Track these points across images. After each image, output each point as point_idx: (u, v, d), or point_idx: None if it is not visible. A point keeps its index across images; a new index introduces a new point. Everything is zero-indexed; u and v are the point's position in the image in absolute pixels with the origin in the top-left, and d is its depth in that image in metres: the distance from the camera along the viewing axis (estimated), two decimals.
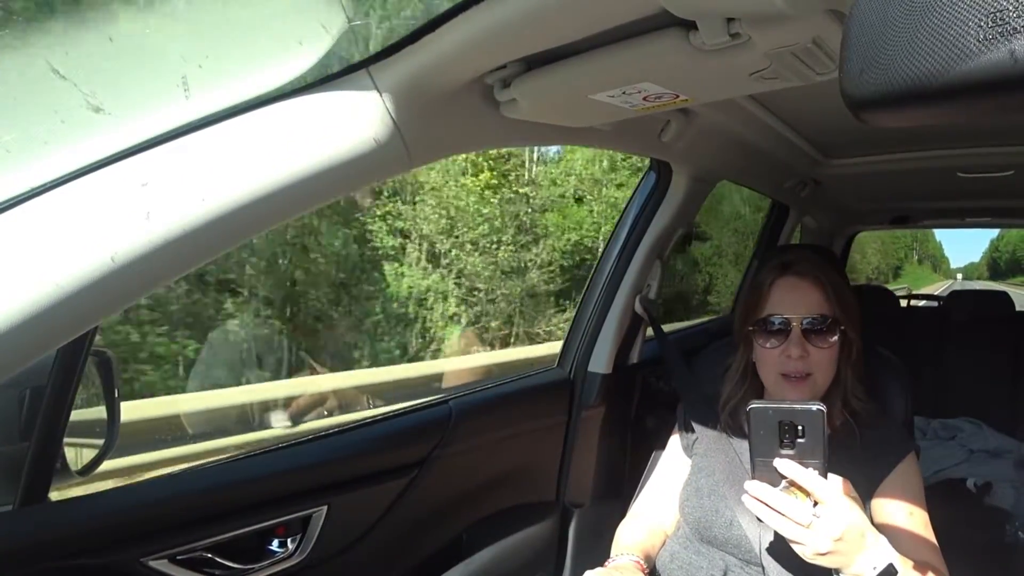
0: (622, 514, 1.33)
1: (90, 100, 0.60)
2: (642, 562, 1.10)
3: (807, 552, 0.86)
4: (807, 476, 0.86)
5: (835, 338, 1.07)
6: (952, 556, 1.02)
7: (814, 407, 0.88)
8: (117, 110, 0.62)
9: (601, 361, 1.67)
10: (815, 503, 0.86)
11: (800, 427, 0.88)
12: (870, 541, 0.86)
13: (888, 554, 0.87)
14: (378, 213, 8.38)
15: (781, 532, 0.88)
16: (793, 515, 0.85)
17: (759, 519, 0.90)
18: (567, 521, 1.66)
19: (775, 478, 0.89)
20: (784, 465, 0.88)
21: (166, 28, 0.67)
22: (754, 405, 0.91)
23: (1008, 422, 2.43)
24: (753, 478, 0.91)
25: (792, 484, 0.88)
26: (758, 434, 0.90)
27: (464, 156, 8.54)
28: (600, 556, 1.16)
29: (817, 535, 0.84)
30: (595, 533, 1.66)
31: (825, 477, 0.87)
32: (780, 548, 1.04)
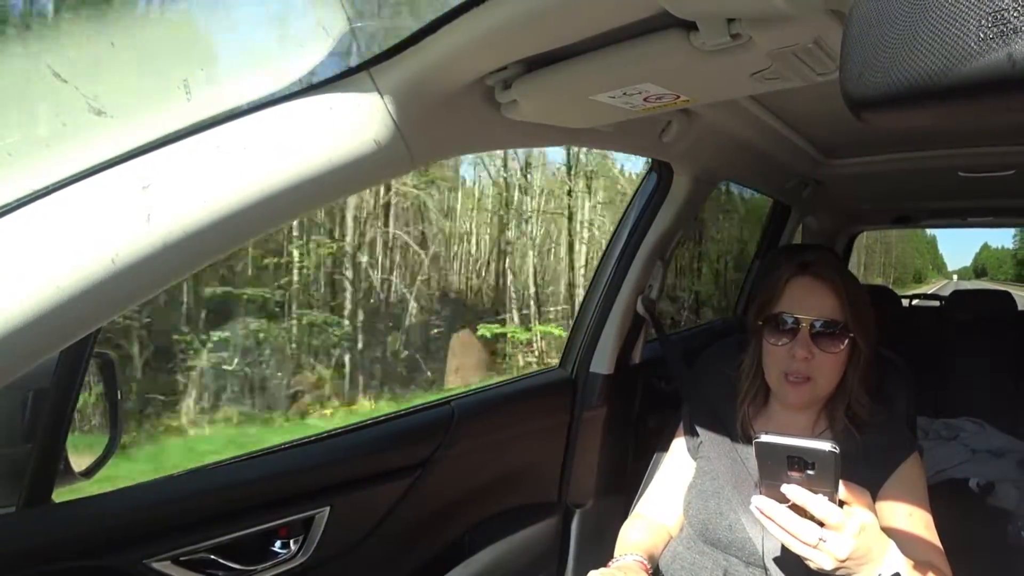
0: (624, 514, 1.33)
1: (92, 103, 0.60)
2: (646, 562, 1.10)
3: (814, 566, 0.86)
4: (815, 502, 0.84)
5: (843, 345, 1.06)
6: (955, 556, 1.02)
7: (827, 448, 0.83)
8: (119, 113, 0.62)
9: (603, 362, 1.67)
10: (822, 524, 0.85)
11: (810, 463, 0.85)
12: (879, 552, 0.86)
13: (897, 562, 0.86)
14: None
15: (788, 547, 0.87)
16: (799, 534, 0.85)
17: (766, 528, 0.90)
18: (569, 521, 1.65)
19: (783, 497, 0.87)
20: (792, 491, 0.85)
21: (168, 32, 0.67)
22: (762, 440, 0.88)
23: (1011, 422, 2.42)
24: (761, 494, 0.90)
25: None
26: (765, 463, 0.88)
27: None
28: (602, 556, 1.16)
29: (823, 555, 0.84)
30: (597, 533, 1.66)
31: (835, 503, 0.85)
32: (784, 553, 1.04)
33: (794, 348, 1.06)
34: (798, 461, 0.85)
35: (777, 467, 0.87)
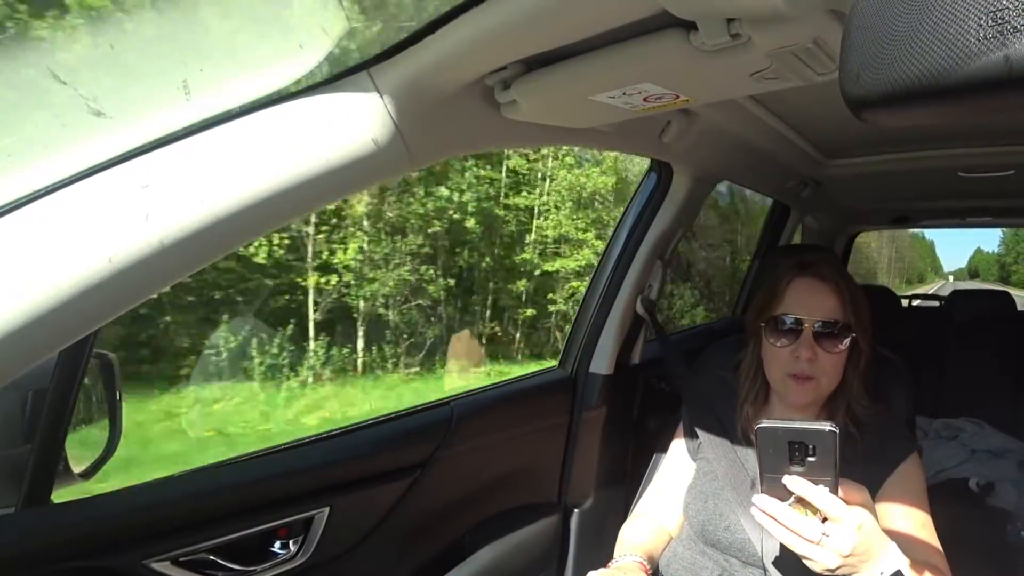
0: (624, 515, 1.33)
1: (91, 104, 0.60)
2: (645, 563, 1.10)
3: (816, 567, 0.85)
4: (817, 493, 0.84)
5: (845, 344, 1.06)
6: (954, 556, 1.02)
7: (826, 428, 0.84)
8: (118, 114, 0.62)
9: (602, 362, 1.67)
10: (824, 519, 0.84)
11: (811, 447, 0.85)
12: (879, 550, 0.86)
13: (897, 560, 0.86)
14: None
15: (790, 547, 0.86)
16: (802, 532, 0.84)
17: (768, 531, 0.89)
18: (569, 522, 1.66)
19: (784, 494, 0.86)
20: (793, 482, 0.85)
21: (167, 32, 0.67)
22: (763, 425, 0.88)
23: (1010, 422, 2.42)
24: (762, 492, 0.89)
25: (800, 500, 0.86)
26: (766, 452, 0.88)
27: None
28: (602, 557, 1.16)
29: (826, 552, 0.84)
30: (597, 534, 1.66)
31: (836, 494, 0.85)
32: (783, 553, 1.04)
33: (798, 349, 1.05)
34: (799, 447, 0.85)
35: (778, 457, 0.87)
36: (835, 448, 0.84)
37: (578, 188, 9.18)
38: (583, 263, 8.88)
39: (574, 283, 8.74)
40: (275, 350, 6.39)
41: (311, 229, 6.75)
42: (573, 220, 9.15)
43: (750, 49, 0.71)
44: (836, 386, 1.10)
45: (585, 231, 9.16)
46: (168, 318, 5.85)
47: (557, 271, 8.96)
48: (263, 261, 6.46)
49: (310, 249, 6.86)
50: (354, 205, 7.02)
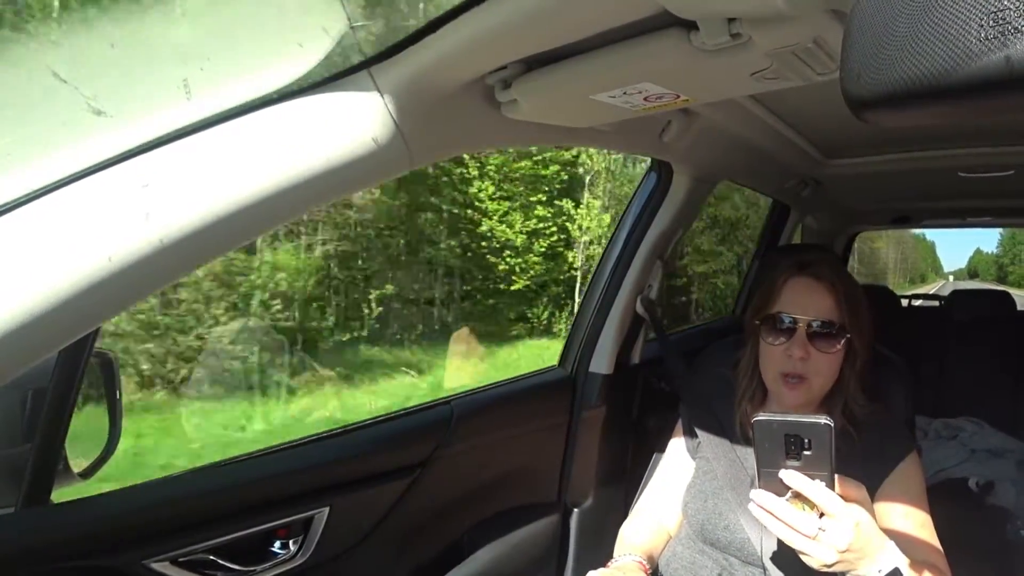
0: (624, 514, 1.33)
1: (92, 103, 0.60)
2: (645, 562, 1.10)
3: (813, 563, 0.85)
4: (813, 488, 0.85)
5: (840, 345, 1.06)
6: (953, 556, 1.02)
7: (822, 421, 0.85)
8: (119, 113, 0.62)
9: (602, 361, 1.67)
10: (821, 515, 0.85)
11: (806, 440, 0.85)
12: (876, 547, 0.86)
13: (895, 558, 0.86)
14: None
15: (787, 542, 0.87)
16: (799, 527, 0.84)
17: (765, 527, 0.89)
18: (568, 521, 1.66)
19: (781, 489, 0.87)
20: (790, 477, 0.86)
21: (167, 31, 0.67)
22: (759, 418, 0.88)
23: (1010, 421, 2.42)
24: (759, 487, 0.89)
25: (797, 496, 0.86)
26: (763, 446, 0.88)
27: None
28: (602, 556, 1.16)
29: (823, 547, 0.83)
30: (597, 533, 1.66)
31: (832, 489, 0.85)
32: (782, 552, 1.04)
33: (791, 348, 1.05)
34: (795, 441, 0.86)
35: (774, 450, 0.87)
36: (830, 442, 0.84)
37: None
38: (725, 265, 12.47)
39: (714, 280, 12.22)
40: (563, 321, 10.47)
41: (585, 239, 10.73)
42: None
43: (750, 49, 0.71)
44: (831, 386, 1.10)
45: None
46: (491, 300, 10.23)
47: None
48: (576, 263, 10.68)
49: (581, 254, 10.77)
50: (596, 227, 10.76)
